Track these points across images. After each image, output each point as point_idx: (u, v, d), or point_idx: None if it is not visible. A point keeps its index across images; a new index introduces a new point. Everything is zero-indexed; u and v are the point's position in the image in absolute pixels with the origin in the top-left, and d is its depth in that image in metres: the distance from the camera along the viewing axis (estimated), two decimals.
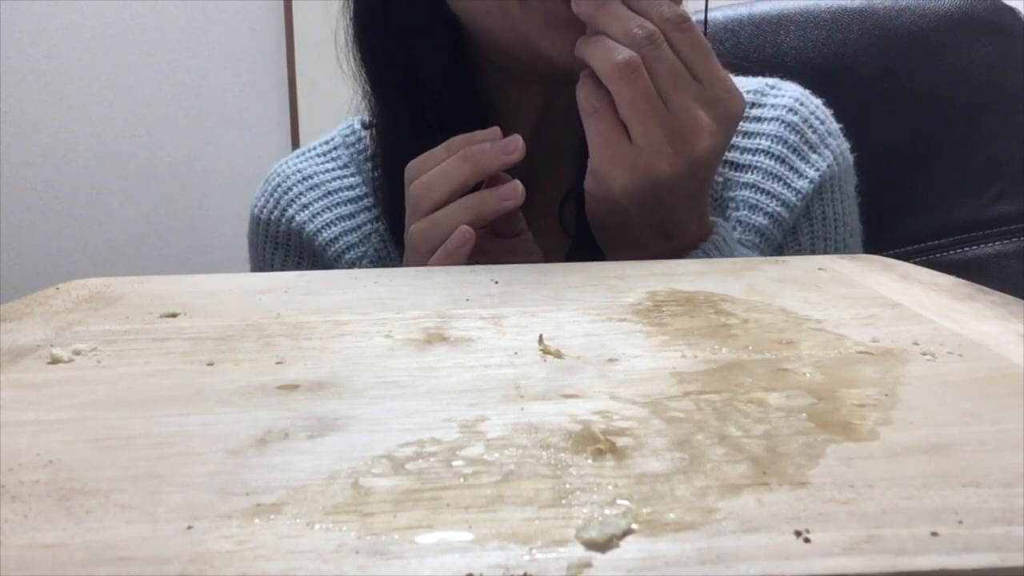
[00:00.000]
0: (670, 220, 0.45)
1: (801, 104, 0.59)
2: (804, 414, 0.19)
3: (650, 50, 0.41)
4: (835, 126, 0.61)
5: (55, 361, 0.24)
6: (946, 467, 0.16)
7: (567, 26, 0.45)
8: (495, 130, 0.45)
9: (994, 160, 0.74)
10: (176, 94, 1.96)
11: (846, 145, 0.61)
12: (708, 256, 0.46)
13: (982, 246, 0.74)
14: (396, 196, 0.47)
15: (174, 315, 0.29)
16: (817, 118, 0.59)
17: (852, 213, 0.61)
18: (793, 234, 0.58)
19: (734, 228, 0.55)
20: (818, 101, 0.61)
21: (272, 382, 0.22)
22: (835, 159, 0.59)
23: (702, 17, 0.52)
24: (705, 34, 0.53)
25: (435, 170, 0.44)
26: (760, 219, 0.56)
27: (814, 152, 0.58)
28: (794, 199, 0.57)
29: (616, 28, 0.41)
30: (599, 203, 0.44)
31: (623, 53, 0.40)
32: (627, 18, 0.41)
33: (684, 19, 0.42)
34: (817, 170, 0.57)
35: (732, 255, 0.47)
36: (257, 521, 0.15)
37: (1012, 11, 0.76)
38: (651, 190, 0.42)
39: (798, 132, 0.58)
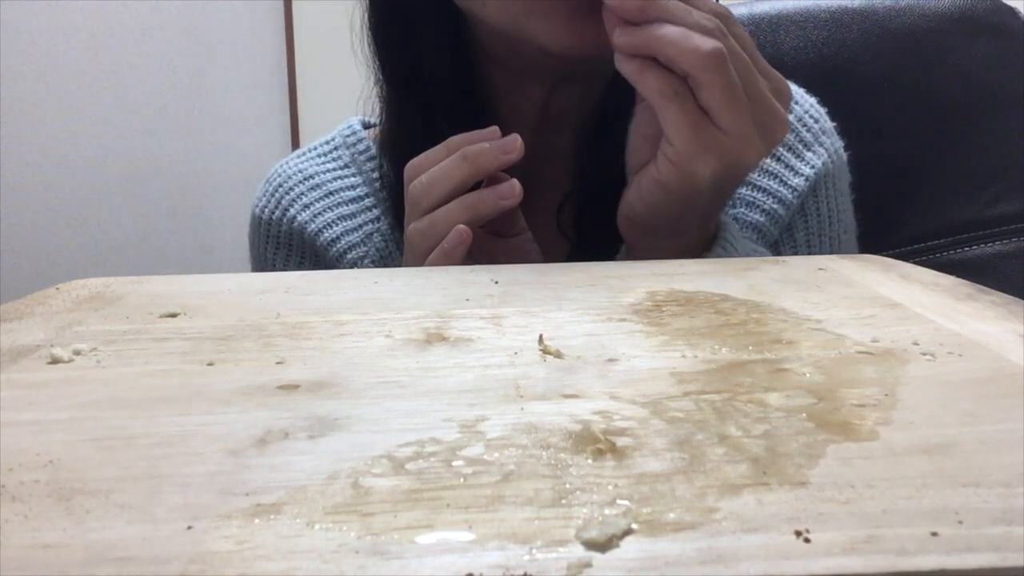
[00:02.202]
0: (719, 206, 0.45)
1: (795, 102, 0.59)
2: (804, 414, 0.19)
3: (723, 41, 0.40)
4: (829, 124, 0.61)
5: (55, 361, 0.24)
6: (946, 467, 0.16)
7: (563, 13, 0.45)
8: (494, 130, 0.45)
9: (994, 160, 0.74)
10: (176, 94, 1.96)
11: (840, 143, 0.61)
12: (726, 249, 0.47)
13: (982, 246, 0.74)
14: (401, 191, 0.47)
15: (174, 315, 0.29)
16: (811, 116, 0.59)
17: (846, 210, 0.61)
18: (788, 231, 0.58)
19: None
20: (812, 99, 0.61)
21: (272, 382, 0.22)
22: (829, 156, 0.59)
23: None
24: None
25: (434, 169, 0.44)
26: (757, 216, 0.56)
27: (808, 150, 0.58)
28: (790, 196, 0.57)
29: (683, 18, 0.40)
30: (671, 192, 0.42)
31: (709, 40, 0.39)
32: (687, 9, 0.41)
33: (731, 14, 0.42)
34: (812, 167, 0.58)
35: (743, 247, 0.48)
36: (257, 521, 0.15)
37: (1012, 11, 0.76)
38: (736, 177, 0.42)
39: (792, 130, 0.58)
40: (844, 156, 0.61)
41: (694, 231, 0.45)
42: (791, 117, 0.58)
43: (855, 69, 0.75)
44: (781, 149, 0.58)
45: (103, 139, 1.82)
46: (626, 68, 0.41)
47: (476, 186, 0.44)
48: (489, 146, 0.44)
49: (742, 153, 0.41)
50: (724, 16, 0.41)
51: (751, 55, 0.42)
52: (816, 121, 0.60)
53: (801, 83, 0.62)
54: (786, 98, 0.43)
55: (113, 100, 1.84)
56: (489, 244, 0.46)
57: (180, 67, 1.97)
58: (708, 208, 0.44)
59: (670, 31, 0.40)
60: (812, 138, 0.59)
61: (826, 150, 0.59)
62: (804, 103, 0.60)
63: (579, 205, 0.55)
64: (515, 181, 0.44)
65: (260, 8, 2.14)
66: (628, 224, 0.46)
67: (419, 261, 0.43)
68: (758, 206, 0.57)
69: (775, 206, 0.57)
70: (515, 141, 0.44)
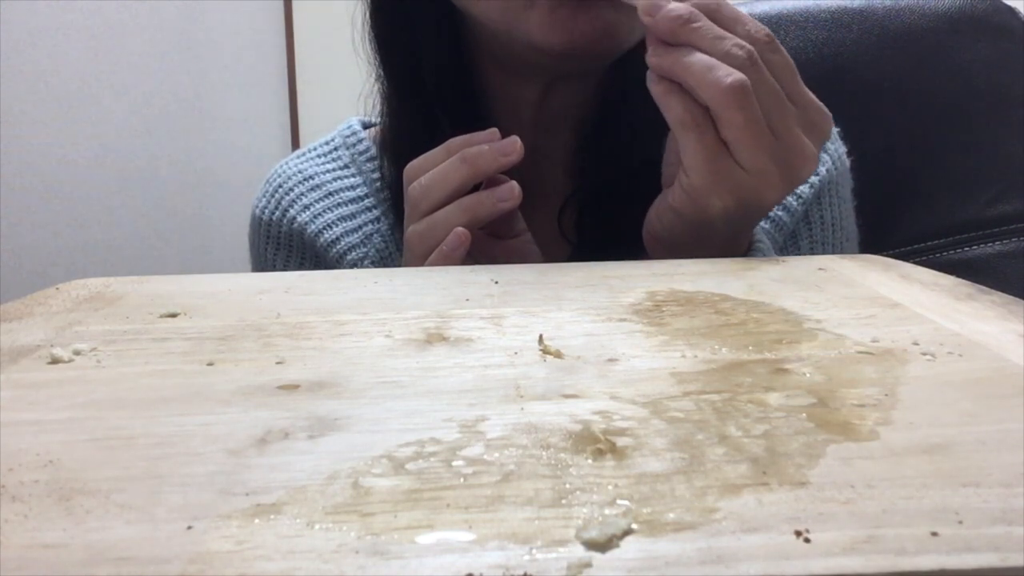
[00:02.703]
0: (743, 237, 0.44)
1: None
2: (804, 414, 0.19)
3: (752, 72, 0.38)
4: (834, 129, 0.61)
5: (55, 361, 0.24)
6: (946, 467, 0.16)
7: (545, 3, 0.45)
8: (493, 132, 0.45)
9: (994, 160, 0.74)
10: (176, 94, 1.96)
11: (844, 149, 0.61)
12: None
13: (982, 246, 0.74)
14: (402, 191, 0.47)
15: (174, 315, 0.29)
16: (795, 73, 0.59)
17: (849, 217, 0.61)
18: (793, 239, 0.58)
19: None
20: None
21: (272, 382, 0.22)
22: (833, 164, 0.59)
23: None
24: None
25: (433, 172, 0.44)
26: (762, 223, 0.56)
27: None
28: (794, 203, 0.57)
29: (712, 45, 0.39)
30: (685, 221, 0.42)
31: (733, 74, 0.37)
32: (721, 36, 0.39)
33: (772, 39, 0.40)
34: (816, 174, 0.57)
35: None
36: (257, 521, 0.15)
37: (1012, 11, 0.76)
38: (751, 214, 0.41)
39: None
40: (847, 162, 0.61)
41: (716, 253, 0.43)
42: None
43: (855, 69, 0.75)
44: None
45: (103, 139, 1.82)
46: (654, 89, 0.40)
47: (476, 188, 0.44)
48: (488, 148, 0.43)
49: (760, 191, 0.39)
50: (761, 41, 0.40)
51: (787, 84, 0.40)
52: None
53: None
54: (821, 131, 0.41)
55: (113, 100, 1.83)
56: (489, 246, 0.47)
57: (180, 67, 1.97)
58: (726, 237, 0.43)
59: (696, 60, 0.38)
60: None
61: (830, 157, 0.59)
62: None
63: (580, 207, 0.55)
64: (514, 183, 0.44)
65: (260, 8, 2.14)
66: (649, 239, 0.45)
67: (418, 263, 0.43)
68: None
69: (780, 213, 0.57)
70: (514, 143, 0.44)
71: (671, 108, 0.40)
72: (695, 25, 0.39)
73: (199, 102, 2.02)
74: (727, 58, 0.38)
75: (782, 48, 0.40)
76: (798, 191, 0.57)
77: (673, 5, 0.40)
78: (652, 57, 0.40)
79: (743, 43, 0.39)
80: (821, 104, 0.41)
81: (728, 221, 0.40)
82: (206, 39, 2.03)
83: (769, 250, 0.47)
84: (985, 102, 0.74)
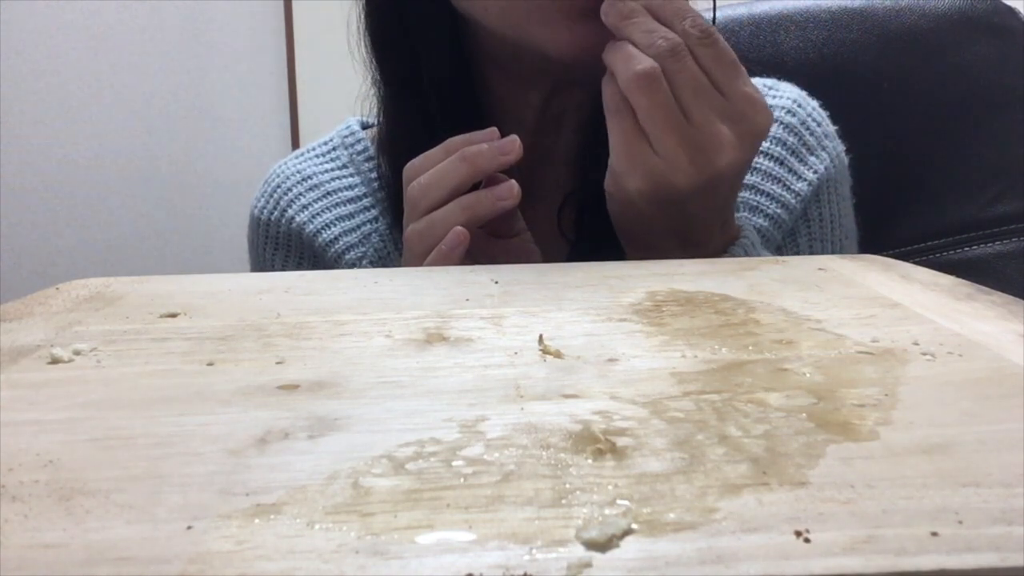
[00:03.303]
0: (691, 228, 0.45)
1: (799, 106, 0.59)
2: (804, 414, 0.19)
3: (672, 62, 0.41)
4: (831, 128, 0.61)
5: (55, 361, 0.24)
6: (946, 467, 0.16)
7: (563, 18, 0.46)
8: (493, 131, 0.45)
9: (994, 160, 0.74)
10: (176, 94, 1.96)
11: (842, 147, 0.61)
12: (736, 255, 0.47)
13: (982, 246, 0.74)
14: (399, 191, 0.47)
15: (174, 315, 0.29)
16: (814, 120, 0.59)
17: (848, 215, 0.61)
18: (792, 236, 0.58)
19: None
20: (815, 103, 0.61)
21: (272, 382, 0.22)
22: (832, 161, 0.59)
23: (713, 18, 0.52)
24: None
25: (432, 171, 0.44)
26: (760, 221, 0.56)
27: (812, 154, 0.58)
28: (793, 201, 0.57)
29: (641, 38, 0.41)
30: (616, 202, 0.45)
31: (643, 63, 0.40)
32: (652, 29, 0.41)
33: (709, 33, 0.42)
34: (815, 172, 0.57)
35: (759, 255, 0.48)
36: (257, 521, 0.15)
37: (1012, 11, 0.76)
38: (667, 198, 0.42)
39: (796, 134, 0.58)
40: (846, 160, 0.61)
41: (678, 249, 0.45)
42: (795, 120, 0.58)
43: (855, 69, 0.75)
44: (784, 153, 0.57)
45: (103, 139, 1.82)
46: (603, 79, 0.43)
47: (475, 187, 0.44)
48: (487, 147, 0.44)
49: (670, 176, 0.41)
50: (694, 35, 0.41)
51: (718, 76, 0.42)
52: (819, 125, 0.59)
53: (802, 83, 0.62)
54: (752, 123, 0.42)
55: (113, 100, 1.83)
56: (488, 245, 0.46)
57: (180, 67, 1.97)
58: (690, 223, 0.44)
59: (618, 50, 0.42)
60: (815, 142, 0.58)
61: (829, 155, 0.59)
62: (807, 107, 0.60)
63: (579, 206, 0.55)
64: (513, 182, 0.44)
65: (260, 8, 2.14)
66: (617, 231, 0.47)
67: (418, 262, 0.43)
68: (762, 211, 0.56)
69: (779, 211, 0.57)
70: (513, 142, 0.44)
71: (604, 96, 0.43)
72: (631, 20, 0.42)
73: (199, 102, 2.01)
74: (649, 48, 0.41)
75: (721, 43, 0.42)
76: (796, 189, 0.57)
77: (624, 3, 0.43)
78: (604, 53, 0.43)
79: (669, 35, 0.41)
80: (759, 97, 0.43)
81: (648, 204, 0.42)
82: (206, 39, 2.03)
83: (754, 246, 0.48)
84: (985, 102, 0.74)
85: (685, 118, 0.41)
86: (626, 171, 0.42)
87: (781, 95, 0.60)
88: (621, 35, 0.42)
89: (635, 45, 0.41)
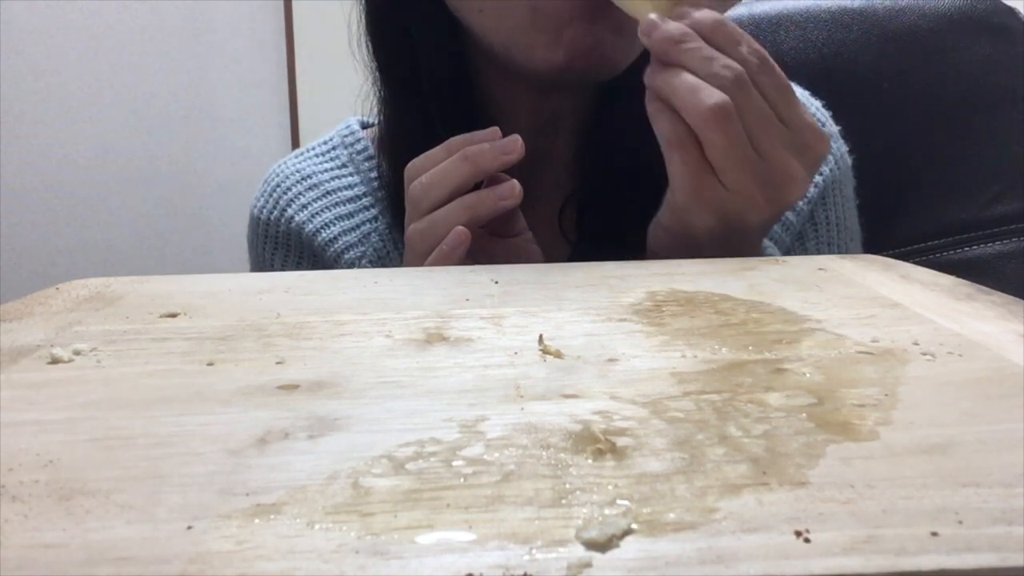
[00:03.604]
0: (742, 254, 0.43)
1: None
2: (804, 414, 0.19)
3: (738, 94, 0.38)
4: (835, 128, 0.60)
5: (55, 361, 0.24)
6: (946, 467, 0.16)
7: (552, 27, 0.45)
8: (495, 130, 0.45)
9: (994, 160, 0.74)
10: (176, 94, 1.96)
11: (845, 148, 0.61)
12: None
13: (982, 246, 0.74)
14: (399, 191, 0.47)
15: (174, 315, 0.29)
16: (818, 121, 0.59)
17: (852, 217, 0.61)
18: (799, 239, 0.58)
19: None
20: (818, 103, 0.61)
21: (272, 382, 0.22)
22: (836, 163, 0.59)
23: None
24: None
25: (434, 170, 0.44)
26: None
27: None
28: (800, 203, 0.57)
29: (700, 66, 0.39)
30: (673, 236, 0.42)
31: (714, 95, 0.38)
32: (711, 56, 0.39)
33: (766, 59, 0.40)
34: (820, 174, 0.57)
35: None
36: (257, 521, 0.15)
37: (1012, 11, 0.76)
38: (735, 234, 0.41)
39: None
40: (849, 161, 0.61)
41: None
42: None
43: (855, 69, 0.75)
44: None
45: (103, 139, 1.82)
46: (648, 108, 0.41)
47: (477, 187, 0.44)
48: (489, 147, 0.43)
49: (743, 212, 0.39)
50: (753, 62, 0.39)
51: (779, 105, 0.40)
52: (823, 125, 0.59)
53: (802, 83, 0.62)
54: (814, 153, 0.41)
55: (113, 100, 1.84)
56: (490, 245, 0.46)
57: (180, 67, 1.97)
58: (739, 251, 0.42)
59: (681, 82, 0.39)
60: None
61: (833, 156, 0.59)
62: (811, 107, 0.59)
63: (580, 207, 0.55)
64: (515, 182, 0.44)
65: (260, 8, 2.14)
66: (650, 255, 0.45)
67: (419, 262, 0.43)
68: None
69: (787, 214, 0.56)
70: (515, 142, 0.44)
71: (660, 127, 0.40)
72: (686, 46, 0.39)
73: (199, 102, 2.02)
74: (714, 79, 0.38)
75: (777, 69, 0.40)
76: None
77: (670, 25, 0.40)
78: (647, 77, 0.41)
79: (732, 64, 0.39)
80: (816, 125, 0.41)
81: (713, 239, 0.41)
82: (206, 39, 2.03)
83: (773, 254, 0.47)
84: (985, 102, 0.74)
85: (755, 152, 0.39)
86: (693, 208, 0.40)
87: None
88: (672, 61, 0.39)
89: (692, 73, 0.39)
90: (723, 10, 0.42)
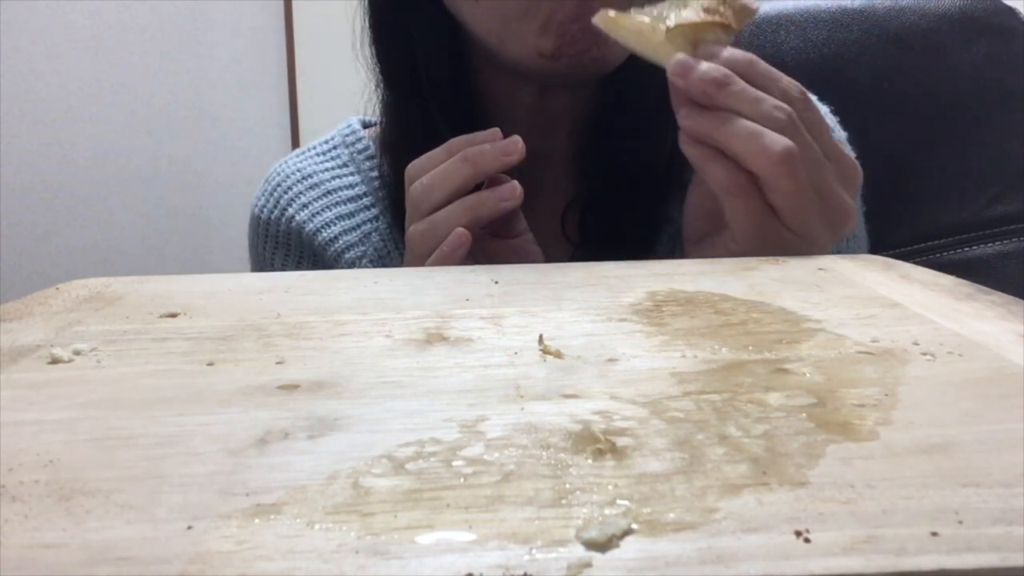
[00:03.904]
0: None
1: None
2: (804, 414, 0.19)
3: (795, 134, 0.37)
4: (843, 134, 0.60)
5: (55, 361, 0.24)
6: (946, 467, 0.16)
7: (539, 25, 0.45)
8: (495, 131, 0.45)
9: (994, 160, 0.74)
10: (176, 94, 1.96)
11: (853, 153, 0.60)
12: None
13: (982, 246, 0.74)
14: (400, 191, 0.47)
15: (174, 315, 0.29)
16: (830, 128, 0.59)
17: (860, 225, 0.61)
18: None
19: None
20: (826, 108, 0.60)
21: (272, 382, 0.22)
22: None
23: None
24: None
25: (435, 171, 0.44)
26: None
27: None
28: None
29: (751, 109, 0.38)
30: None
31: (779, 141, 0.37)
32: (759, 98, 0.38)
33: (806, 94, 0.39)
34: None
35: None
36: (257, 521, 0.15)
37: (1012, 11, 0.76)
38: None
39: None
40: (860, 169, 0.61)
41: None
42: None
43: (855, 69, 0.75)
44: None
45: (103, 139, 1.82)
46: (691, 152, 0.40)
47: (478, 188, 0.44)
48: (490, 148, 0.43)
49: (805, 250, 0.39)
50: (798, 99, 0.39)
51: (822, 140, 0.39)
52: (833, 131, 0.59)
53: (802, 83, 0.62)
54: (854, 183, 0.41)
55: (113, 100, 1.84)
56: (490, 246, 0.46)
57: (180, 67, 1.97)
58: None
59: (741, 128, 0.37)
60: None
61: None
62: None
63: (583, 208, 0.55)
64: (515, 183, 0.44)
65: (260, 8, 2.14)
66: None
67: (419, 263, 0.43)
68: None
69: None
70: (516, 143, 0.44)
71: (714, 175, 0.39)
72: (732, 88, 0.38)
73: (199, 102, 2.02)
74: (769, 121, 0.37)
75: (814, 103, 0.40)
76: None
77: (706, 66, 0.38)
78: (686, 120, 0.39)
79: (782, 104, 0.38)
80: (850, 155, 0.41)
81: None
82: (206, 39, 2.03)
83: None
84: (985, 102, 0.74)
85: (814, 192, 0.38)
86: (756, 252, 0.39)
87: None
88: (718, 105, 0.38)
89: (743, 117, 0.38)
90: (739, 27, 0.41)
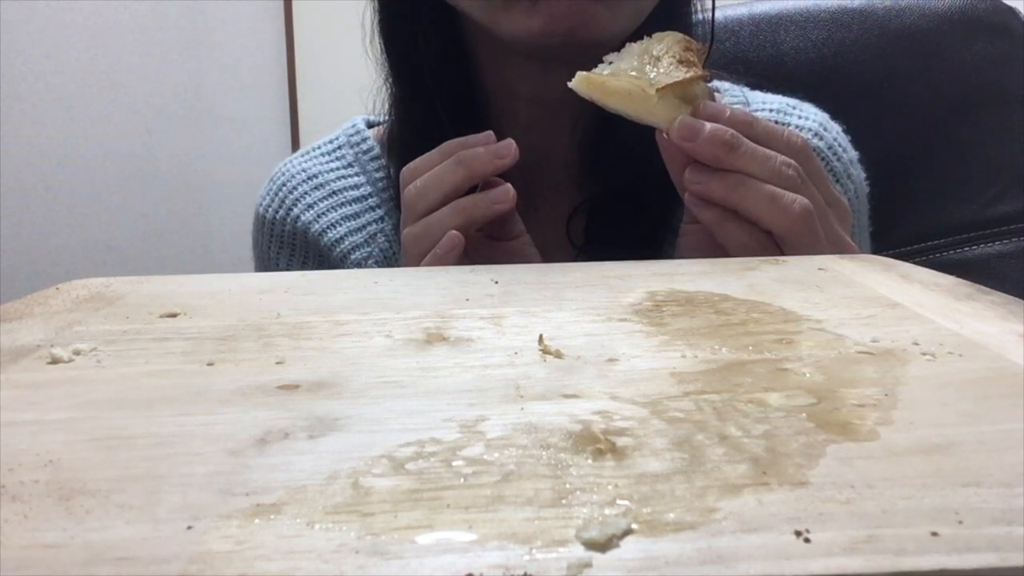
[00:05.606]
0: None
1: (825, 130, 0.58)
2: (804, 414, 0.19)
3: (805, 190, 0.38)
4: (854, 154, 0.60)
5: (55, 361, 0.24)
6: (946, 467, 0.16)
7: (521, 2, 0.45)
8: (489, 134, 0.45)
9: (994, 160, 0.74)
10: (176, 94, 1.96)
11: (863, 174, 0.60)
12: None
13: (982, 246, 0.74)
14: None
15: (174, 315, 0.29)
16: (840, 145, 0.58)
17: (866, 244, 0.61)
18: None
19: None
20: (838, 127, 0.60)
21: (272, 382, 0.22)
22: (855, 192, 0.58)
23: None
24: (712, 36, 0.52)
25: (428, 174, 0.44)
26: None
27: (838, 182, 0.57)
28: None
29: (760, 169, 0.38)
30: None
31: (797, 201, 0.37)
32: (768, 156, 0.38)
33: (807, 144, 0.40)
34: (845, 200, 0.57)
35: None
36: (257, 521, 0.15)
37: (1012, 11, 0.76)
38: None
39: (823, 160, 0.57)
40: (867, 189, 0.60)
41: None
42: (822, 144, 0.57)
43: (855, 69, 0.75)
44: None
45: (103, 139, 1.82)
46: (704, 215, 0.40)
47: (474, 190, 0.44)
48: (483, 151, 0.43)
49: None
50: (801, 151, 0.39)
51: (824, 189, 0.40)
52: (845, 151, 0.58)
53: (802, 83, 0.62)
54: (848, 221, 0.42)
55: (113, 100, 1.84)
56: (488, 248, 0.46)
57: (180, 67, 1.97)
58: None
59: (756, 191, 0.38)
60: (842, 169, 0.58)
61: (854, 183, 0.58)
62: (832, 131, 0.59)
63: (589, 213, 0.54)
64: (509, 186, 0.44)
65: (260, 8, 2.15)
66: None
67: (414, 265, 0.43)
68: None
69: None
70: (509, 146, 0.44)
71: (732, 236, 0.39)
72: (741, 149, 0.38)
73: (199, 102, 2.02)
74: (780, 180, 0.38)
75: (813, 153, 0.40)
76: None
77: (712, 128, 0.38)
78: (695, 184, 0.39)
79: (789, 160, 0.38)
80: (841, 195, 0.42)
81: None
82: (206, 39, 2.03)
83: None
84: (985, 102, 0.74)
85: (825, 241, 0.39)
86: None
87: (807, 116, 0.59)
88: (727, 166, 0.38)
89: (754, 177, 0.38)
90: (706, 72, 0.41)
